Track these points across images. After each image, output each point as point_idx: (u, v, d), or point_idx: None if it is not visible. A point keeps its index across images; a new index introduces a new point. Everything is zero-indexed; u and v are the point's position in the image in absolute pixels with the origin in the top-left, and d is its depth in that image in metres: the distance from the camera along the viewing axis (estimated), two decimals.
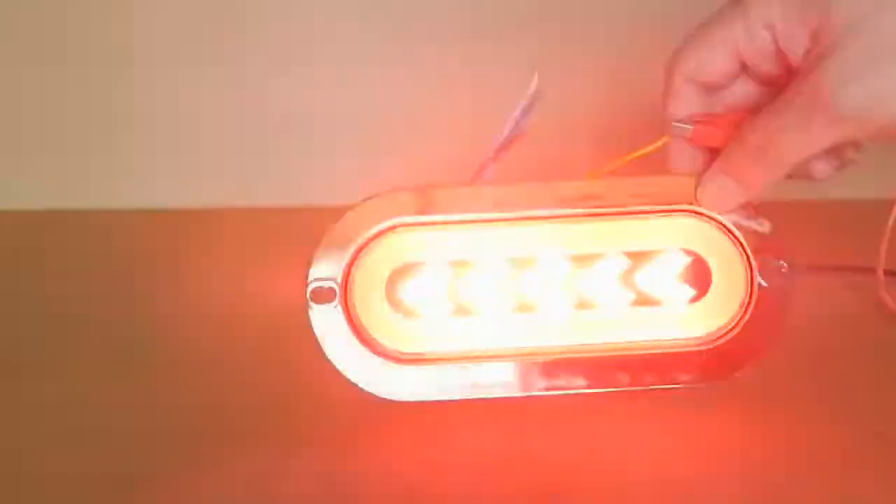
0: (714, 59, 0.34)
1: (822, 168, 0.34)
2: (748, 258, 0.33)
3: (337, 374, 0.33)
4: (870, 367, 0.36)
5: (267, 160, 0.59)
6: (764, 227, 0.33)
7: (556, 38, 0.55)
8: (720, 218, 0.34)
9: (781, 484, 0.30)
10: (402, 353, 0.34)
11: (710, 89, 0.35)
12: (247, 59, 0.56)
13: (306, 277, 0.33)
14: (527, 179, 0.36)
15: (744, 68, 0.34)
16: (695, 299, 0.34)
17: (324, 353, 0.33)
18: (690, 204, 0.34)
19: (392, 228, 0.34)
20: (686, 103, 0.35)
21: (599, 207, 0.34)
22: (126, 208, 0.59)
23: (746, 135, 0.32)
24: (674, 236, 0.34)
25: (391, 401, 0.33)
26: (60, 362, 0.39)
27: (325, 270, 0.33)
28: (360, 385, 0.33)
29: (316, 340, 0.33)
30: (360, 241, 0.33)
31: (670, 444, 0.32)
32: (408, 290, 0.34)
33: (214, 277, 0.48)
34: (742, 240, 0.33)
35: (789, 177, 0.34)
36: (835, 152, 0.34)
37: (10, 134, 0.58)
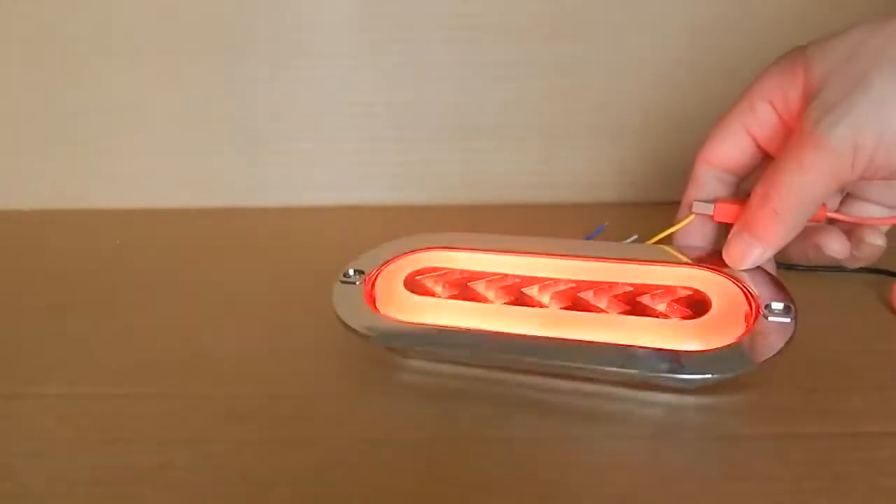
0: (729, 142, 0.37)
1: (835, 246, 0.35)
2: (754, 299, 0.34)
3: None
4: (877, 368, 0.36)
5: (267, 160, 0.59)
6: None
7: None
8: (726, 272, 0.35)
9: (780, 483, 0.29)
10: (401, 318, 0.36)
11: (732, 174, 0.37)
12: (246, 57, 0.56)
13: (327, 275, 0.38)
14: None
15: (762, 152, 0.36)
16: (692, 317, 0.34)
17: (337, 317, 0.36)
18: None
19: (427, 249, 0.40)
20: (708, 189, 0.37)
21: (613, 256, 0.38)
22: (126, 208, 0.59)
23: (755, 189, 0.34)
24: (681, 278, 0.36)
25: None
26: (61, 363, 0.39)
27: (358, 266, 0.38)
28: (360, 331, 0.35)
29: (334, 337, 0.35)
30: (396, 253, 0.40)
31: (664, 446, 0.32)
32: (423, 280, 0.38)
33: (215, 277, 0.48)
34: (750, 287, 0.34)
35: (810, 261, 0.35)
36: (848, 233, 0.35)
37: (9, 134, 0.58)
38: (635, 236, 0.41)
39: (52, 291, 0.48)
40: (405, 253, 0.40)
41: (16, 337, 0.42)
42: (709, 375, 0.31)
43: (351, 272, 0.38)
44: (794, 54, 0.34)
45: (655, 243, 0.38)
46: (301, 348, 0.39)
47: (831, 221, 0.37)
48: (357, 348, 0.37)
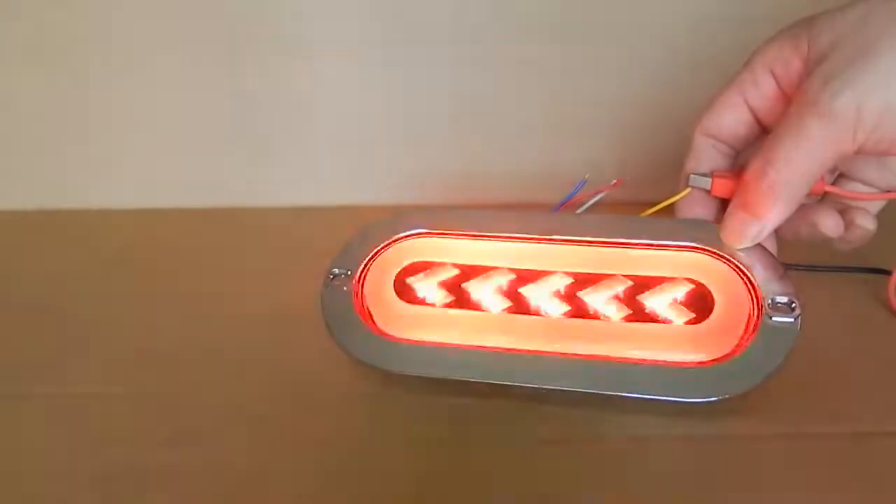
0: (727, 112, 0.36)
1: (829, 223, 0.35)
2: (756, 292, 0.33)
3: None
4: (877, 368, 0.36)
5: (267, 160, 0.58)
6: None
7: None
8: (727, 254, 0.34)
9: (780, 483, 0.29)
10: (397, 334, 0.35)
11: (730, 146, 0.36)
12: (246, 58, 0.55)
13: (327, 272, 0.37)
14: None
15: (760, 124, 0.36)
16: (694, 322, 0.34)
17: (328, 332, 0.35)
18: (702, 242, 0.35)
19: (411, 236, 0.38)
20: (706, 161, 0.36)
21: (609, 238, 0.36)
22: (126, 208, 0.59)
23: (751, 163, 0.33)
24: (682, 267, 0.35)
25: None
26: (61, 363, 0.39)
27: (342, 263, 0.37)
28: (353, 354, 0.34)
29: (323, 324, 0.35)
30: (379, 243, 0.38)
31: (667, 448, 0.32)
32: (414, 283, 0.37)
33: (214, 277, 0.48)
34: (751, 276, 0.34)
35: (803, 238, 0.35)
36: (841, 212, 0.35)
37: (9, 134, 0.58)
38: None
39: (52, 291, 0.48)
40: (391, 242, 0.38)
41: (16, 337, 0.42)
42: (712, 399, 0.31)
43: (335, 271, 0.36)
44: (799, 25, 0.33)
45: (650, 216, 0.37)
46: (301, 348, 0.39)
47: (826, 196, 0.37)
48: None
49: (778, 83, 0.34)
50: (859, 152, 0.31)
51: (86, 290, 0.47)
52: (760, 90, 0.35)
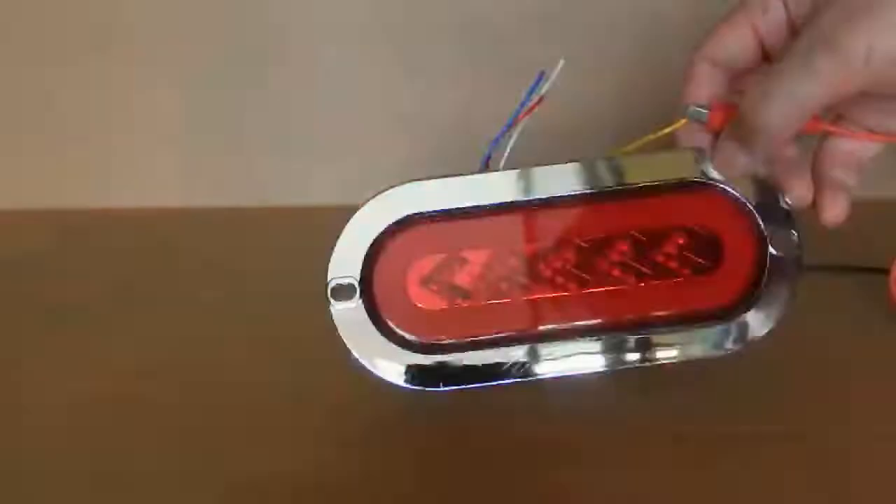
0: (733, 36, 0.35)
1: (797, 192, 0.34)
2: (760, 228, 0.33)
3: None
4: (877, 368, 0.36)
5: (267, 160, 0.59)
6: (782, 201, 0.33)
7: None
8: (729, 188, 0.33)
9: (778, 483, 0.29)
10: (425, 343, 0.34)
11: (730, 72, 0.35)
12: (246, 57, 0.56)
13: (326, 276, 0.33)
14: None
15: (764, 53, 0.35)
16: (707, 271, 0.33)
17: (347, 350, 0.33)
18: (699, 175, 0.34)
19: (407, 222, 0.34)
20: (705, 87, 0.35)
21: (608, 188, 0.35)
22: (125, 208, 0.59)
23: (749, 92, 0.32)
24: (684, 212, 0.34)
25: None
26: (61, 363, 0.39)
27: (343, 268, 0.33)
28: (387, 378, 0.33)
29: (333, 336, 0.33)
30: (376, 236, 0.34)
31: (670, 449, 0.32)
32: (428, 281, 0.35)
33: (214, 277, 0.48)
34: (754, 210, 0.33)
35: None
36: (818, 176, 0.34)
37: (8, 134, 0.58)
38: (561, 61, 0.38)
39: (52, 291, 0.48)
40: (385, 240, 0.35)
41: (16, 338, 0.42)
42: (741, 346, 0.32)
43: (334, 282, 0.33)
44: None
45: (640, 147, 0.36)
46: (300, 346, 0.39)
47: (824, 140, 0.36)
48: None
49: (788, 13, 0.33)
50: (863, 93, 0.31)
51: (86, 290, 0.47)
52: (769, 16, 0.34)
